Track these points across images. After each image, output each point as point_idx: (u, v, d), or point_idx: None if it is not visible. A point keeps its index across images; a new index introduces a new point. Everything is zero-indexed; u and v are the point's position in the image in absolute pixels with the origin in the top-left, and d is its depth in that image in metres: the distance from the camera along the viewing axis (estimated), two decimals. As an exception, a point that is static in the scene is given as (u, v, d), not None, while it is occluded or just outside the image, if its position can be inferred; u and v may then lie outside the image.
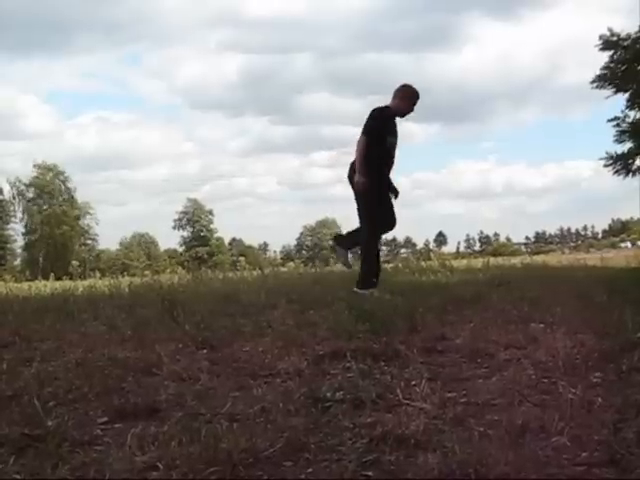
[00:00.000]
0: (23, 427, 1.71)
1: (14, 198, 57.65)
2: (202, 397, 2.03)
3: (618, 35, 8.34)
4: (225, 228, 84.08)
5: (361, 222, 5.15)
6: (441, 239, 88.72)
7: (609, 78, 8.63)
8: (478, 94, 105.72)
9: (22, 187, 58.29)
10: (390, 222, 5.28)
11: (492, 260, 12.60)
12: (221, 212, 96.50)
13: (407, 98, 5.17)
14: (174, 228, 69.40)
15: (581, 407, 1.78)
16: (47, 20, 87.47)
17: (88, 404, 1.99)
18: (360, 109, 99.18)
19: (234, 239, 76.15)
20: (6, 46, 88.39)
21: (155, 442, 1.57)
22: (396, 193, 5.28)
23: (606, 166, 9.24)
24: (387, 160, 5.23)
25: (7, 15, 76.92)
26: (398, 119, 5.24)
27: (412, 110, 5.20)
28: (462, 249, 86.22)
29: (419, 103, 5.17)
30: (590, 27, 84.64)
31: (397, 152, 5.29)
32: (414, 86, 5.24)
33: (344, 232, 5.53)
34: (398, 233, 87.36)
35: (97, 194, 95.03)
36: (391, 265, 10.48)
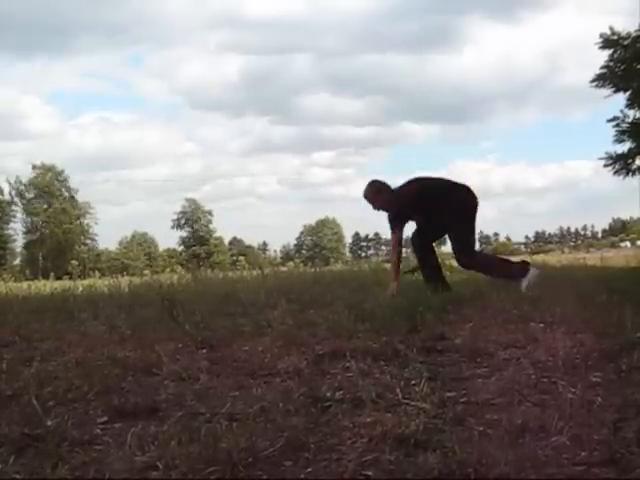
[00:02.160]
0: (23, 427, 1.71)
1: (14, 198, 57.71)
2: (202, 397, 2.03)
3: (619, 34, 8.32)
4: (225, 228, 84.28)
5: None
6: (441, 239, 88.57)
7: (608, 77, 8.60)
8: (478, 94, 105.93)
9: (22, 187, 58.38)
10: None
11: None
12: (221, 212, 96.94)
13: None
14: (173, 228, 69.52)
15: (581, 407, 1.78)
16: (49, 22, 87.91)
17: (88, 404, 1.99)
18: (360, 110, 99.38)
19: (234, 239, 76.19)
20: (8, 47, 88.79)
21: (155, 442, 1.57)
22: None
23: (606, 166, 9.20)
24: None
25: (9, 16, 77.11)
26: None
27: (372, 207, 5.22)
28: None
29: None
30: (589, 28, 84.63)
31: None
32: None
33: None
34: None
35: (98, 194, 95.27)
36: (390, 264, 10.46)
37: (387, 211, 5.12)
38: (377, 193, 5.18)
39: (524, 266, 5.16)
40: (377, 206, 5.19)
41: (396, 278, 4.98)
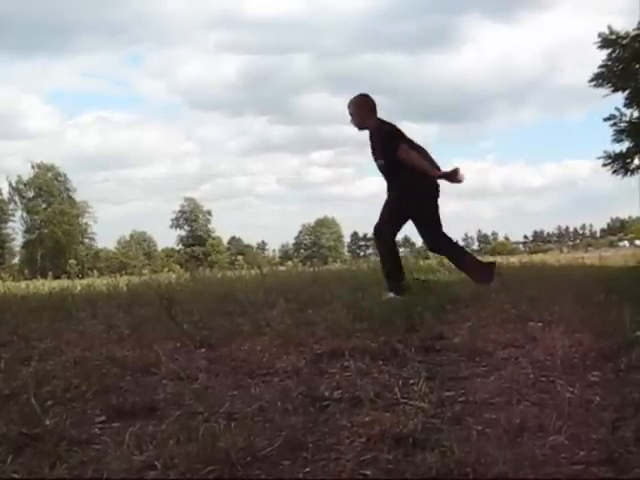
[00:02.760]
0: (21, 426, 1.71)
1: (13, 197, 57.72)
2: (200, 396, 2.03)
3: (617, 33, 8.33)
4: (224, 227, 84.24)
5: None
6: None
7: (607, 76, 8.62)
8: (477, 94, 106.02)
9: (21, 186, 58.40)
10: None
11: (490, 259, 12.58)
12: (220, 211, 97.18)
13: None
14: (171, 227, 69.53)
15: (579, 406, 1.78)
16: (49, 21, 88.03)
17: (86, 403, 1.99)
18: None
19: (233, 238, 76.19)
20: (8, 46, 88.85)
21: (153, 441, 1.57)
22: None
23: (604, 165, 9.21)
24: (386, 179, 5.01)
25: (9, 16, 77.07)
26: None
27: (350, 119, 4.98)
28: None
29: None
30: (588, 28, 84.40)
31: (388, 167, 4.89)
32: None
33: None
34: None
35: (97, 193, 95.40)
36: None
37: (360, 129, 4.94)
38: (360, 106, 4.94)
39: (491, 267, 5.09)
40: (354, 119, 4.95)
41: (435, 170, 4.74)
